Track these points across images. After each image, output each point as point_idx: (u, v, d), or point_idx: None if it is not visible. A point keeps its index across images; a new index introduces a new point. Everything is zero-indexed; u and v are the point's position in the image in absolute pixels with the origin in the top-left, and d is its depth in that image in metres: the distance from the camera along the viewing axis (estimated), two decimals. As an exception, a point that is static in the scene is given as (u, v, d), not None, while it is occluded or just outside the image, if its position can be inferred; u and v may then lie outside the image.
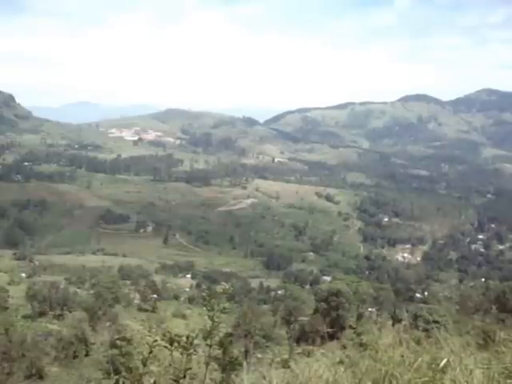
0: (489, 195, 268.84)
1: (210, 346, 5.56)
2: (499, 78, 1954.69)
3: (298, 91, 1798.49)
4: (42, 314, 62.36)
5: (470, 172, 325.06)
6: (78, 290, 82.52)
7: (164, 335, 5.21)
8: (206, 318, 5.69)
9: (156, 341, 5.09)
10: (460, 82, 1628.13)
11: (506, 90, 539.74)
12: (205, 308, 5.90)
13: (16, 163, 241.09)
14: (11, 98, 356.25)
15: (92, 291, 75.67)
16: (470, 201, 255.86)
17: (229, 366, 5.76)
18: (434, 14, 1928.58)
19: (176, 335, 5.22)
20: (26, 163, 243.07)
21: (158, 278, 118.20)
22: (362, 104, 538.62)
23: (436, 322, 37.49)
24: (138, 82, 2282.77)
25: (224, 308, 5.78)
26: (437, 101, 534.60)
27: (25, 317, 59.85)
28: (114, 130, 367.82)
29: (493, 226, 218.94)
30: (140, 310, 76.07)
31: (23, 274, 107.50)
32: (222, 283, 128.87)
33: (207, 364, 5.51)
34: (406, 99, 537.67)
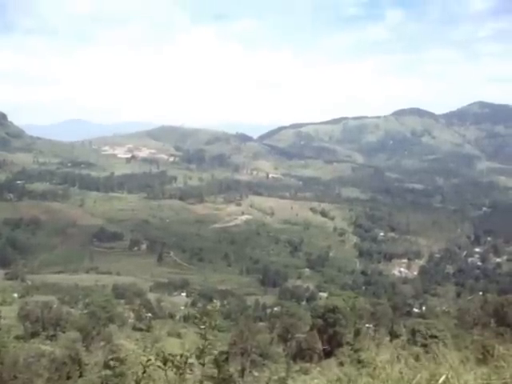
0: (484, 208, 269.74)
1: (204, 365, 5.45)
2: (491, 90, 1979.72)
3: (291, 106, 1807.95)
4: (34, 334, 61.56)
5: (465, 185, 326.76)
6: (72, 310, 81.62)
7: (157, 355, 5.11)
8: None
9: (149, 360, 5.00)
10: (453, 95, 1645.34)
11: (498, 103, 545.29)
12: (197, 326, 5.80)
13: (8, 182, 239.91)
14: (3, 116, 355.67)
15: (85, 311, 74.97)
16: (465, 214, 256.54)
17: (223, 384, 5.64)
18: (425, 29, 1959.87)
19: (170, 354, 5.12)
20: (19, 182, 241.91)
21: (152, 297, 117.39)
22: (355, 119, 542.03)
23: (434, 336, 37.29)
24: (130, 99, 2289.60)
25: (215, 325, 5.68)
26: (430, 114, 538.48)
27: (17, 338, 58.83)
28: (106, 148, 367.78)
29: (489, 238, 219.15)
30: (135, 329, 75.29)
31: (15, 294, 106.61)
32: (215, 301, 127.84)
33: (201, 383, 5.39)
34: (399, 113, 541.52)
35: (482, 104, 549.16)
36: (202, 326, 5.69)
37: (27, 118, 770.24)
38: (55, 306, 74.20)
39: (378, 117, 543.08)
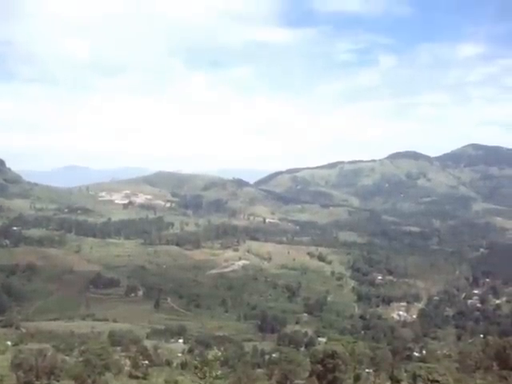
0: (482, 249, 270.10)
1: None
2: (483, 133, 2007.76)
3: (287, 151, 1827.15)
4: (27, 383, 60.02)
5: (462, 226, 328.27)
6: (67, 358, 79.87)
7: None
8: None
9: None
10: (446, 138, 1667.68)
11: (491, 145, 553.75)
12: (197, 376, 5.93)
13: (4, 228, 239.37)
14: (1, 162, 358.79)
15: (81, 358, 73.26)
16: (463, 255, 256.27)
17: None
18: (417, 74, 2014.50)
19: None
20: (15, 227, 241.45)
21: (149, 344, 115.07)
22: (351, 163, 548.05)
23: (436, 381, 36.72)
24: (127, 145, 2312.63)
25: (216, 376, 5.83)
26: (425, 157, 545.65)
27: (10, 388, 57.52)
28: (103, 194, 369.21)
29: (487, 280, 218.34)
30: (131, 377, 73.45)
31: (9, 342, 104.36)
32: (214, 348, 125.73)
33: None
34: (394, 156, 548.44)
35: (476, 146, 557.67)
36: (202, 377, 5.86)
37: (28, 165, 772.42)
38: (50, 353, 72.45)
39: (374, 160, 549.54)
